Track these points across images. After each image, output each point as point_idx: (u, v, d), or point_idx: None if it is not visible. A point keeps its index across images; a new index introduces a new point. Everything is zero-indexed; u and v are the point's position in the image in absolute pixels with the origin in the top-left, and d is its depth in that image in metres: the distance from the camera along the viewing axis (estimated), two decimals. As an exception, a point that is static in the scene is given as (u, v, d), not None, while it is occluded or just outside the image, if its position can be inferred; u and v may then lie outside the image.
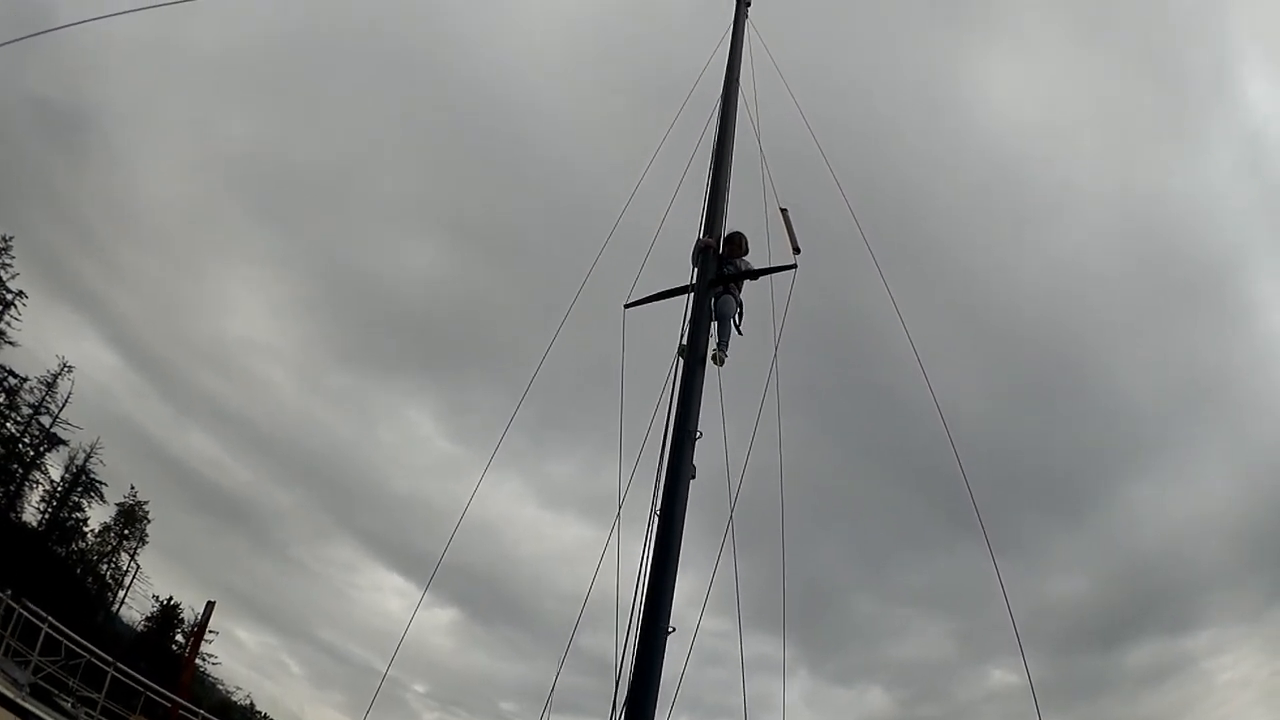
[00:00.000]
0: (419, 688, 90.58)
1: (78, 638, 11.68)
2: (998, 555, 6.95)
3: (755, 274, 8.33)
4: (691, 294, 8.08)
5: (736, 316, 8.28)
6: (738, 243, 8.46)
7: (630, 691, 6.00)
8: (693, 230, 8.64)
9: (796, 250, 8.13)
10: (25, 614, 10.91)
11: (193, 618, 64.06)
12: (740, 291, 8.38)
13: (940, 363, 8.15)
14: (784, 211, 8.48)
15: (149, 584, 62.59)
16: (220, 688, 70.06)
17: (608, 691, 6.25)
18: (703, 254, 8.28)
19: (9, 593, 11.60)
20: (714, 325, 7.97)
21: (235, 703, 70.37)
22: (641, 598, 6.36)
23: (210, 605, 26.99)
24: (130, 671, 12.35)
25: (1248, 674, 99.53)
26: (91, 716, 11.03)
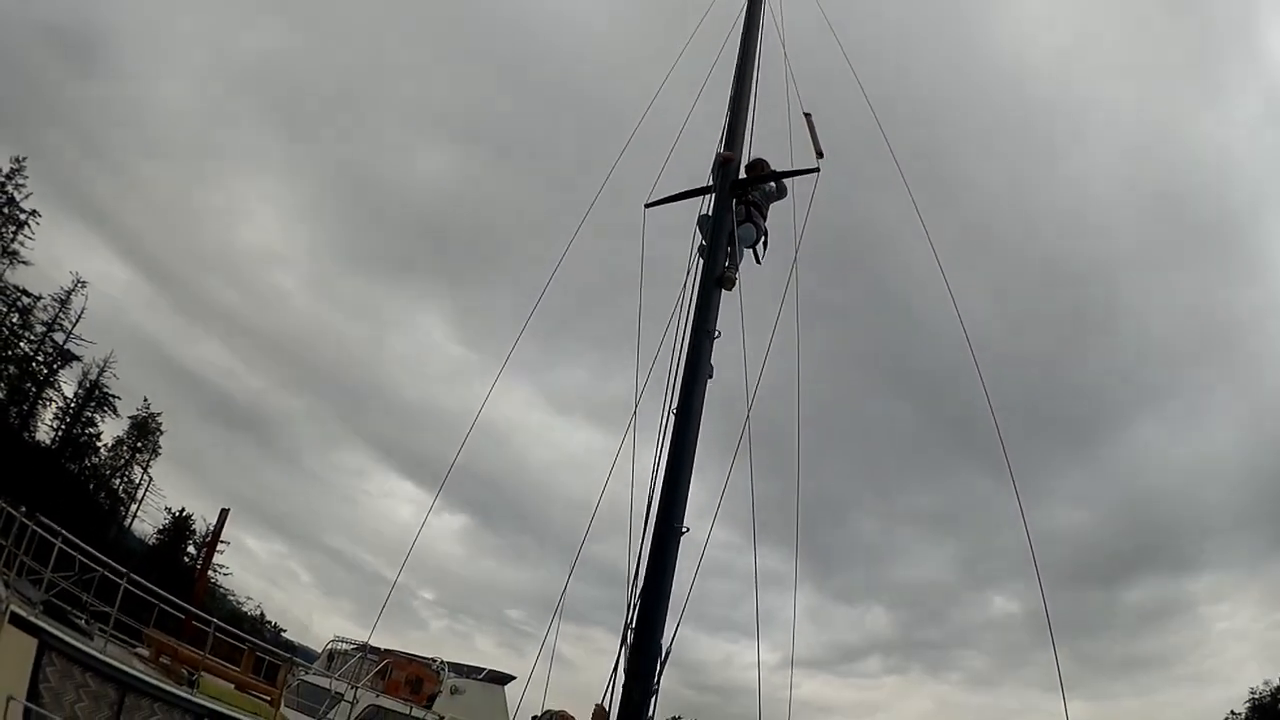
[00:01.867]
0: (427, 594, 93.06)
1: (92, 551, 11.86)
2: (1006, 482, 6.89)
3: (778, 175, 8.24)
4: (711, 195, 8.05)
5: (761, 246, 8.19)
6: (760, 168, 8.32)
7: (644, 588, 6.15)
8: (714, 133, 8.53)
9: (820, 154, 8.06)
10: (39, 531, 11.10)
11: (204, 529, 65.81)
12: (765, 218, 8.22)
13: (954, 284, 8.08)
14: (807, 116, 8.41)
15: (161, 496, 64.15)
16: (230, 598, 72.09)
17: (614, 600, 6.38)
18: (723, 167, 8.17)
19: (23, 510, 11.82)
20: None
21: (245, 613, 72.38)
22: (657, 493, 6.44)
23: (224, 513, 27.49)
24: (144, 583, 12.57)
25: (1244, 625, 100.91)
26: (105, 631, 11.33)
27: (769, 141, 8.64)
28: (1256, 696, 68.89)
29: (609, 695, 6.05)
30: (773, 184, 8.26)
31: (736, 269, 7.63)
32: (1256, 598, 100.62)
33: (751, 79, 8.76)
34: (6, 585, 9.58)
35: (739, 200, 8.06)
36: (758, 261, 8.12)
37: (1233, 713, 70.96)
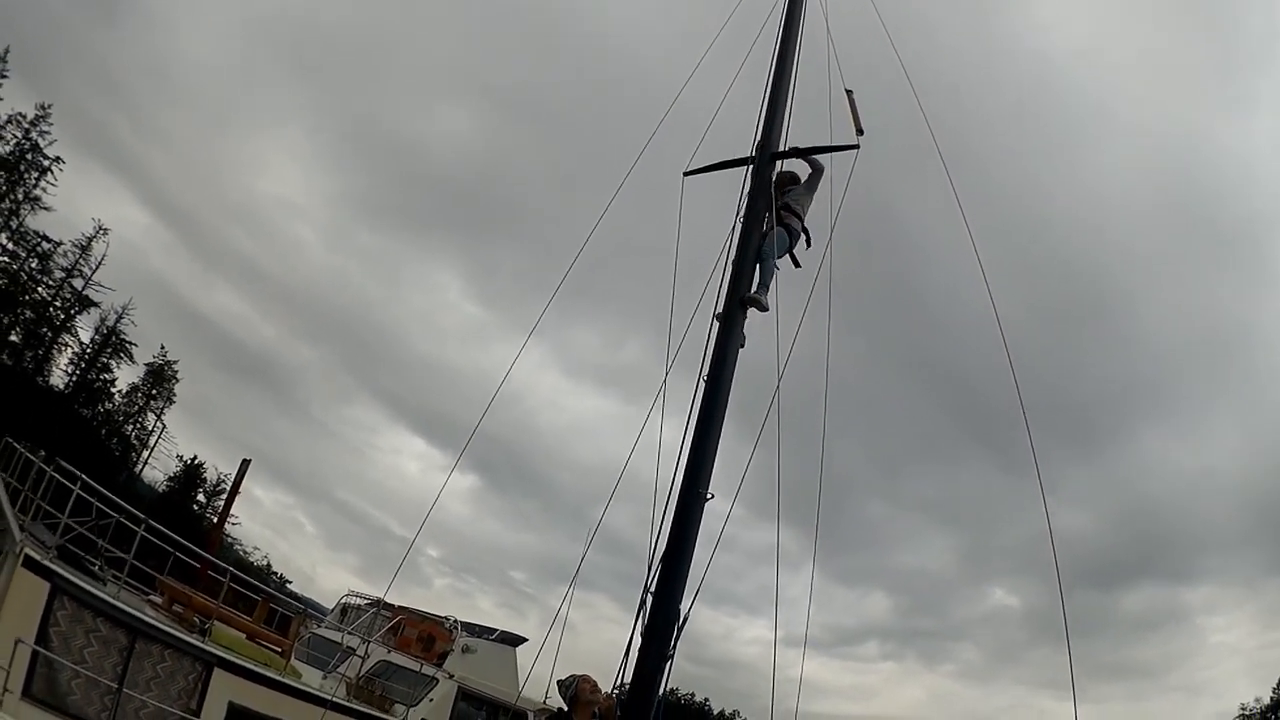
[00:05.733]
0: (432, 552, 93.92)
1: (110, 496, 11.80)
2: (1008, 475, 6.80)
3: (816, 150, 8.01)
4: (750, 165, 7.88)
5: (805, 244, 7.93)
6: (791, 178, 8.09)
7: (665, 553, 6.10)
8: (755, 110, 8.29)
9: (860, 132, 7.88)
10: (57, 476, 11.04)
11: (215, 477, 66.41)
12: (803, 217, 7.94)
13: (969, 275, 7.97)
14: (849, 93, 8.24)
15: (173, 443, 64.70)
16: (238, 548, 72.87)
17: (618, 567, 6.30)
18: (761, 149, 7.93)
19: (41, 455, 11.78)
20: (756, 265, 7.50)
21: (252, 563, 73.14)
22: (684, 457, 6.39)
23: (245, 464, 27.40)
24: (164, 530, 12.53)
25: (1238, 640, 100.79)
26: (119, 578, 11.32)
27: (808, 119, 8.44)
28: (1246, 713, 68.72)
29: (624, 661, 5.98)
30: (809, 169, 8.01)
31: (765, 291, 7.36)
32: (1252, 614, 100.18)
33: (793, 57, 8.53)
34: (21, 529, 9.54)
35: (776, 205, 7.78)
36: (796, 265, 7.89)
37: (1222, 728, 70.89)
